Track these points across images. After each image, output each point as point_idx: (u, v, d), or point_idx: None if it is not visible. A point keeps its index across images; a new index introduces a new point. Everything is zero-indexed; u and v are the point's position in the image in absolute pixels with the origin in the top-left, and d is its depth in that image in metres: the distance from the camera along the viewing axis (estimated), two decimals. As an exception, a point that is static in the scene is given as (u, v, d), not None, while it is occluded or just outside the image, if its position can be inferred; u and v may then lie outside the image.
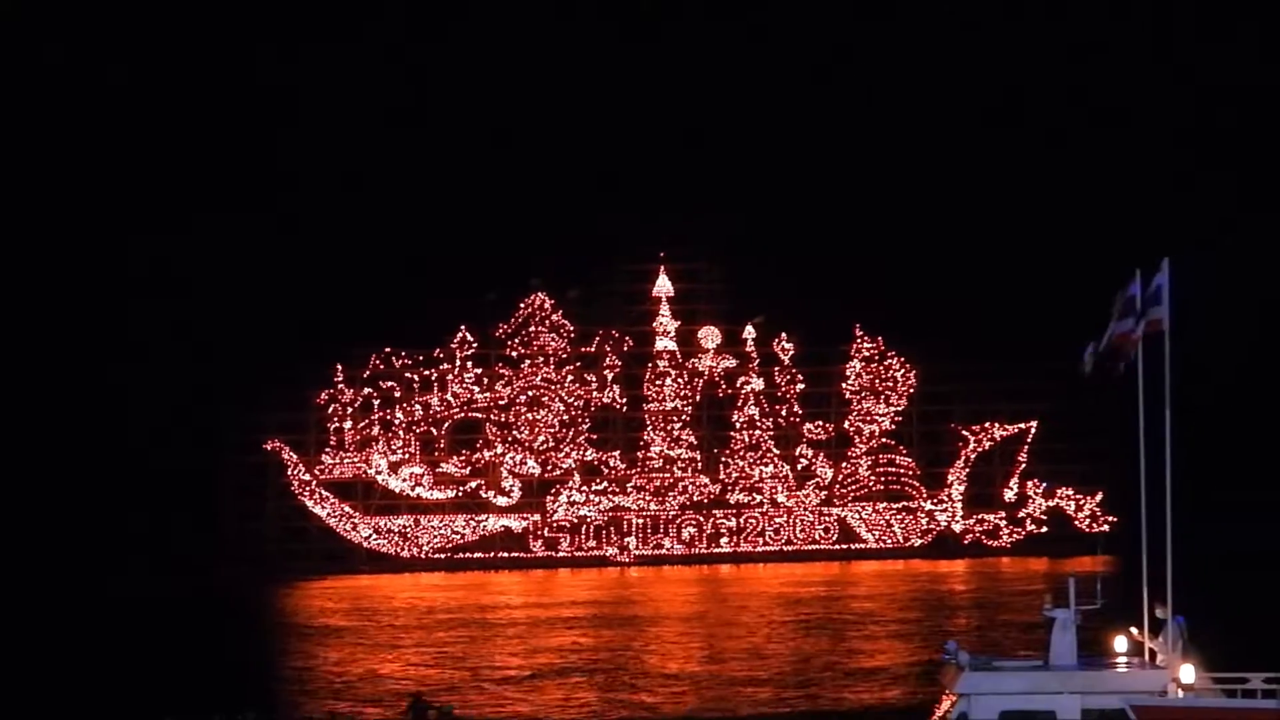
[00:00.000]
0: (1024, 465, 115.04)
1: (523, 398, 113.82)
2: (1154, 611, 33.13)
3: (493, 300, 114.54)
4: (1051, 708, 31.46)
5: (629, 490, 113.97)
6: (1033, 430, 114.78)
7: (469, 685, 64.20)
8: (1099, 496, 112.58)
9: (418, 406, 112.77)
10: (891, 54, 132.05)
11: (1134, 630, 33.24)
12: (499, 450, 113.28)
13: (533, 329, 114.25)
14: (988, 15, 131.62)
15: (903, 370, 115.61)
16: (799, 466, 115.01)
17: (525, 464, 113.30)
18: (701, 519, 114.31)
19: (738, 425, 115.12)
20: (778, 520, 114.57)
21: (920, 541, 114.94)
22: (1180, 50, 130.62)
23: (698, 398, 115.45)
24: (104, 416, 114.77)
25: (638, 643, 75.90)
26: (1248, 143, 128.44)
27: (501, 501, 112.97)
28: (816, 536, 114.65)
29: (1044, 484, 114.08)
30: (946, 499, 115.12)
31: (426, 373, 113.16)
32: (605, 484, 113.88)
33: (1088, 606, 32.74)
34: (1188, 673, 31.88)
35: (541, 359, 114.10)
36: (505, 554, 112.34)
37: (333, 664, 70.66)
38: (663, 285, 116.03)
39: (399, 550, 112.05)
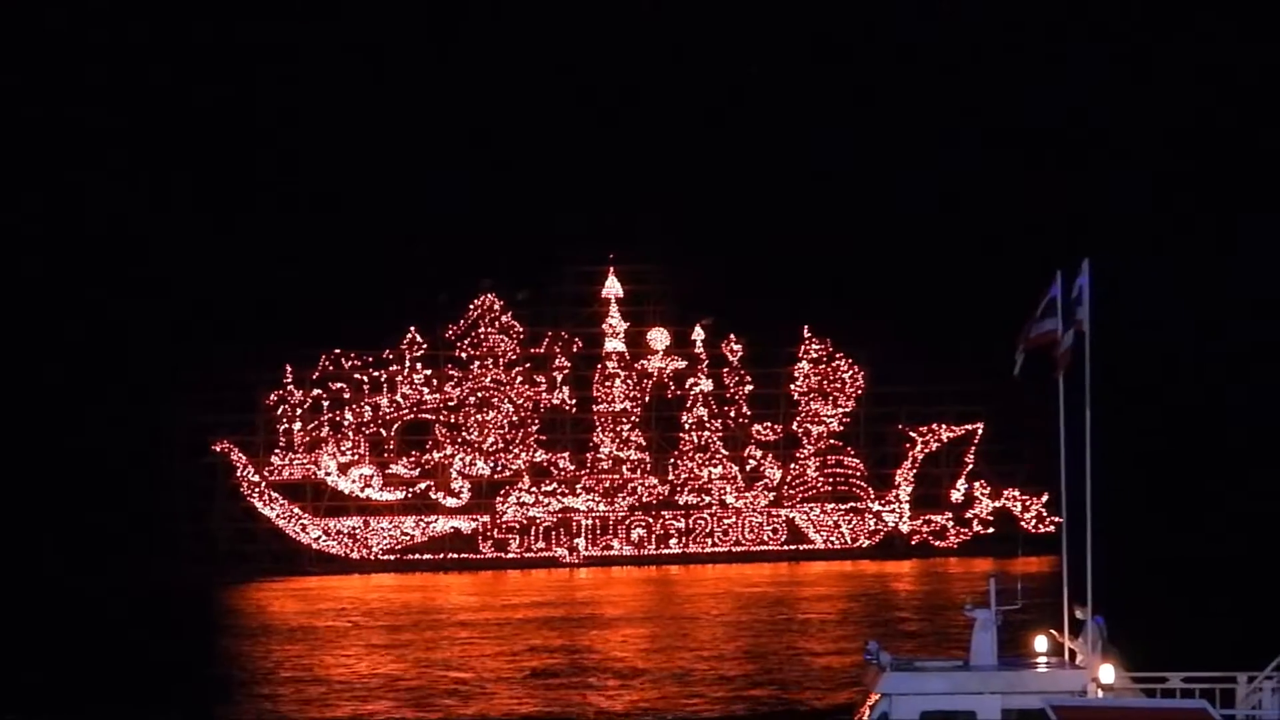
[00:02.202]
0: (971, 466, 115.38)
1: (472, 399, 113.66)
2: (1074, 612, 33.22)
3: (445, 302, 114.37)
4: (972, 708, 31.47)
5: (578, 491, 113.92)
6: (979, 431, 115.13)
7: (471, 686, 64.40)
8: (1045, 497, 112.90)
9: (367, 407, 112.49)
10: (839, 57, 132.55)
11: (1054, 631, 33.36)
12: (448, 451, 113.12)
13: (482, 330, 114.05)
14: (937, 22, 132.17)
15: (851, 372, 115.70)
16: (748, 467, 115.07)
17: (474, 465, 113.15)
18: (650, 520, 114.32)
19: (687, 426, 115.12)
20: (727, 521, 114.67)
21: (868, 542, 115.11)
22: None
23: (647, 399, 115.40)
24: (51, 416, 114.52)
25: (614, 642, 76.22)
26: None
27: (451, 503, 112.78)
28: (765, 537, 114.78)
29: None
30: (894, 500, 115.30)
31: (376, 374, 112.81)
32: (554, 485, 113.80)
33: (1009, 607, 32.82)
34: (1107, 673, 31.93)
35: (491, 360, 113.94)
36: (454, 555, 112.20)
37: (325, 665, 70.58)
38: (612, 287, 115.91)
39: (348, 551, 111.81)
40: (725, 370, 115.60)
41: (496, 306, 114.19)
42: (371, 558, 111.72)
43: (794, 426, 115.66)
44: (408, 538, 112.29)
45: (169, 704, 60.91)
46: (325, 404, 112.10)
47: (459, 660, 71.44)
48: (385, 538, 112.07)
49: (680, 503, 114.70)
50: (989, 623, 32.48)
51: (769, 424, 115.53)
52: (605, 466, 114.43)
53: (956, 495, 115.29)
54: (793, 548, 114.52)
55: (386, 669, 69.40)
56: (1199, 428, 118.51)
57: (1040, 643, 33.09)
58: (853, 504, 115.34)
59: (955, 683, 31.96)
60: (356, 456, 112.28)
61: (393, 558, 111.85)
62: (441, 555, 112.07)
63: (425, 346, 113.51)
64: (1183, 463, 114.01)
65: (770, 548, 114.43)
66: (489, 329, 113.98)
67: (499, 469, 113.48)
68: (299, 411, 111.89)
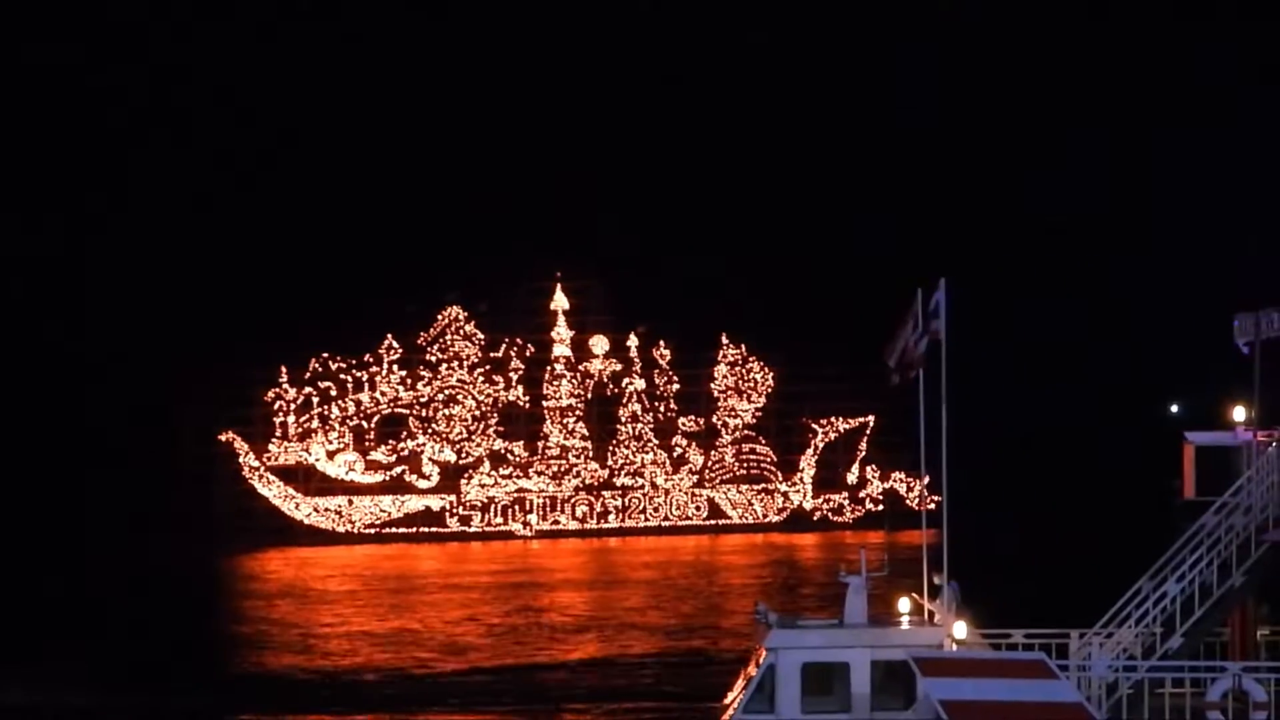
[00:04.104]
0: (864, 453, 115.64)
1: (440, 396, 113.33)
2: (933, 579, 33.11)
3: (414, 313, 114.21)
4: (846, 659, 31.30)
5: (531, 474, 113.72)
6: (870, 423, 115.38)
7: (489, 638, 64.50)
8: (927, 479, 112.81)
9: (351, 403, 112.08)
10: (760, 84, 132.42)
11: (915, 594, 33.25)
12: (420, 440, 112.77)
13: (449, 337, 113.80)
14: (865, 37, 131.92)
15: (762, 372, 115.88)
16: (675, 454, 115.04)
17: (443, 452, 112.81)
18: (592, 499, 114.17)
19: (623, 419, 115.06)
20: (657, 500, 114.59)
21: (777, 518, 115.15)
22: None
23: (589, 396, 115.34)
24: (81, 411, 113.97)
25: (595, 601, 76.59)
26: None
27: (422, 484, 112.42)
28: (689, 514, 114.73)
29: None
30: (799, 482, 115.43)
31: (359, 374, 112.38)
32: (511, 469, 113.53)
33: (877, 574, 32.67)
34: (960, 630, 31.86)
35: (456, 363, 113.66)
36: (426, 529, 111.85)
37: (351, 622, 70.10)
38: (559, 300, 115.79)
39: (335, 526, 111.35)
40: (655, 371, 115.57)
41: (461, 317, 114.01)
42: (355, 531, 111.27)
43: (714, 419, 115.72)
44: (386, 514, 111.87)
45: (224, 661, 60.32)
46: (315, 400, 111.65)
47: (468, 617, 71.21)
48: (366, 514, 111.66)
49: (618, 484, 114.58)
50: (860, 587, 32.28)
51: (693, 417, 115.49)
52: (554, 453, 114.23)
53: (851, 478, 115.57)
54: (713, 522, 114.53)
55: (405, 625, 69.02)
56: (1057, 419, 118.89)
57: (904, 604, 32.98)
58: (764, 485, 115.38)
59: (831, 638, 31.77)
60: (342, 445, 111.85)
61: (373, 531, 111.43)
62: (415, 529, 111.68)
63: (400, 351, 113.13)
64: (1042, 448, 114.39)
65: (694, 522, 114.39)
66: (455, 336, 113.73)
67: (463, 455, 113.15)
68: (292, 406, 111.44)
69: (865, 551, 32.70)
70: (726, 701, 32.33)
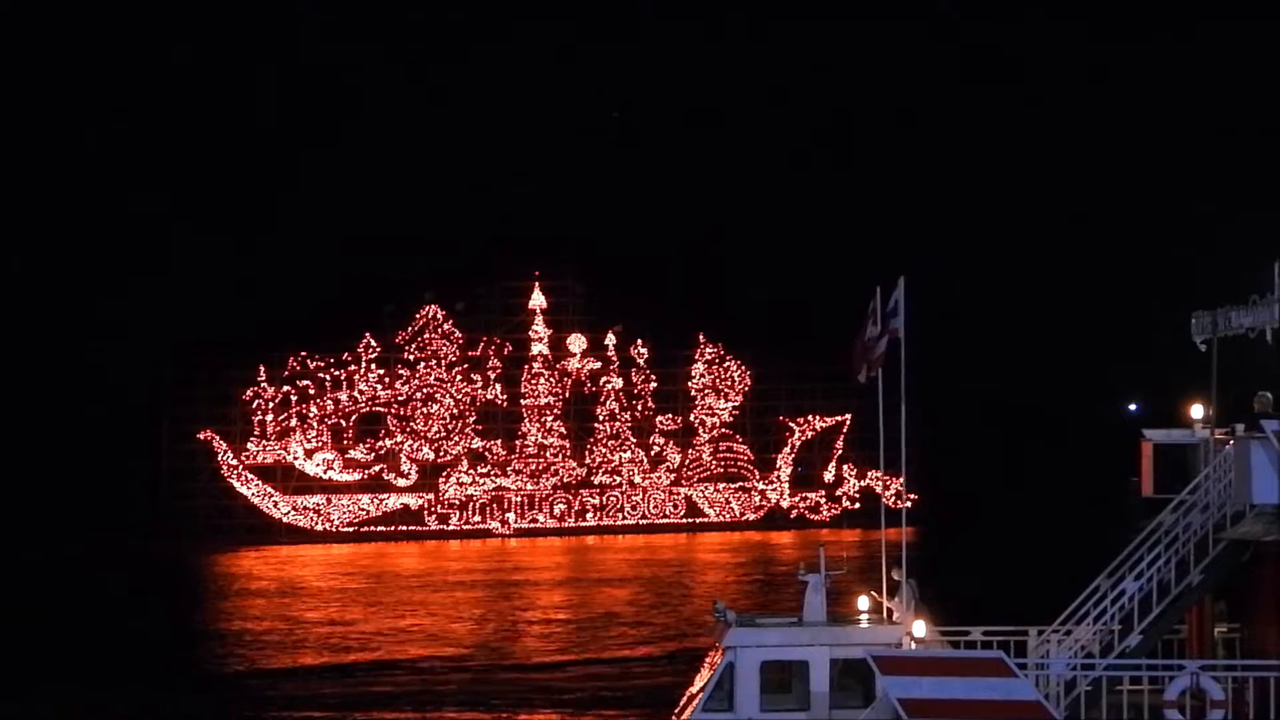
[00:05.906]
0: (840, 451, 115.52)
1: (418, 394, 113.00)
2: (891, 575, 32.90)
3: (392, 311, 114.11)
4: (805, 658, 31.10)
5: (509, 473, 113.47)
6: (847, 421, 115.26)
7: (502, 635, 64.49)
8: (903, 478, 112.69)
9: (329, 402, 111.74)
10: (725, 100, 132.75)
11: (874, 592, 33.07)
12: (399, 439, 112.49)
13: (427, 336, 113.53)
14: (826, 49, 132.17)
15: (739, 371, 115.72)
16: (652, 452, 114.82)
17: (421, 450, 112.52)
18: (570, 497, 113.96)
19: (601, 418, 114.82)
20: (635, 498, 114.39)
21: (754, 516, 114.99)
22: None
23: (567, 394, 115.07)
24: (61, 407, 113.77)
25: (601, 599, 76.31)
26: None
27: (401, 482, 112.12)
28: (667, 512, 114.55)
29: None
30: (776, 480, 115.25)
31: (337, 373, 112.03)
32: (489, 467, 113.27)
33: (835, 572, 32.48)
34: (919, 628, 31.68)
35: (434, 361, 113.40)
36: (404, 527, 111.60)
37: (355, 621, 69.82)
38: (537, 299, 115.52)
39: (313, 525, 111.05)
40: (633, 370, 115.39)
41: (439, 315, 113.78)
42: (334, 529, 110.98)
43: (691, 418, 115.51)
44: (364, 512, 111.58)
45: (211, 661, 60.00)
46: (293, 398, 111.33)
47: (481, 615, 71.06)
48: (345, 512, 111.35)
49: (595, 482, 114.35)
50: (819, 585, 32.08)
51: (670, 415, 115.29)
52: (532, 452, 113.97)
53: (828, 476, 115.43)
54: (690, 520, 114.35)
55: (386, 624, 68.64)
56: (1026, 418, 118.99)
57: (863, 602, 32.78)
58: (741, 483, 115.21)
59: (790, 637, 31.55)
60: (320, 443, 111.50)
61: (351, 530, 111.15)
62: (393, 527, 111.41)
63: (378, 349, 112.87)
64: (1012, 448, 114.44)
65: (671, 521, 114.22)
66: (433, 335, 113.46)
67: (441, 454, 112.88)
68: (271, 405, 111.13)
69: (824, 549, 32.51)
70: (685, 700, 32.11)
